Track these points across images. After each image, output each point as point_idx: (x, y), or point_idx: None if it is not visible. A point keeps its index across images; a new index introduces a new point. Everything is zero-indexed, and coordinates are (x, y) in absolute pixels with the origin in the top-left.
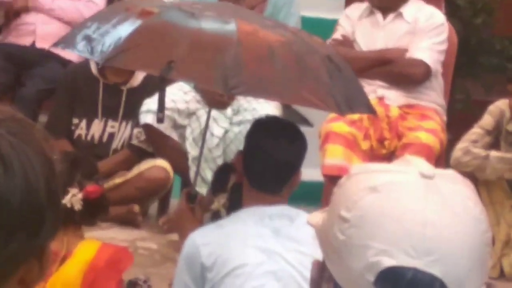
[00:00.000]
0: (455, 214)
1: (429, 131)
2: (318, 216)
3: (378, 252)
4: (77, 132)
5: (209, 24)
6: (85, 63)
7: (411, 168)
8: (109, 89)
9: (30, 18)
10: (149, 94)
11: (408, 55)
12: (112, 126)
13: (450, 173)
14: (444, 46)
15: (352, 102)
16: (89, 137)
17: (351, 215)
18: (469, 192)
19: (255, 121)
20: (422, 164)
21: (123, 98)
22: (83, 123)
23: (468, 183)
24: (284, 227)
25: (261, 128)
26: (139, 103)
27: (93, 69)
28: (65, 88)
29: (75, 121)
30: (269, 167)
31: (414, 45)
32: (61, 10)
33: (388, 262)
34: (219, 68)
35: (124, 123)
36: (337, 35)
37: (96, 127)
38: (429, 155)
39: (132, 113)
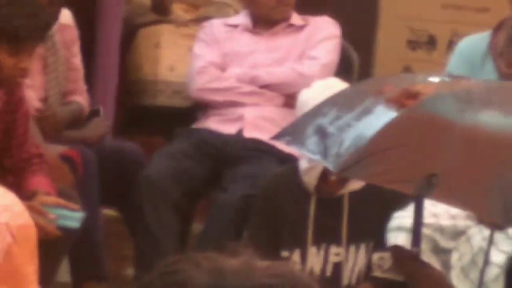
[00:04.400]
0: None
1: None
2: None
3: None
4: None
5: (491, 118)
6: (290, 168)
7: None
8: (322, 203)
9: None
10: (380, 201)
11: None
12: (336, 253)
13: None
14: None
15: None
16: None
17: None
18: None
19: None
20: None
21: (345, 212)
22: (296, 255)
23: None
24: None
25: None
26: (367, 216)
27: (307, 176)
28: (266, 207)
29: (284, 253)
30: None
31: None
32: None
33: None
34: (497, 189)
35: (353, 247)
36: None
37: (315, 257)
38: None
39: (361, 232)
